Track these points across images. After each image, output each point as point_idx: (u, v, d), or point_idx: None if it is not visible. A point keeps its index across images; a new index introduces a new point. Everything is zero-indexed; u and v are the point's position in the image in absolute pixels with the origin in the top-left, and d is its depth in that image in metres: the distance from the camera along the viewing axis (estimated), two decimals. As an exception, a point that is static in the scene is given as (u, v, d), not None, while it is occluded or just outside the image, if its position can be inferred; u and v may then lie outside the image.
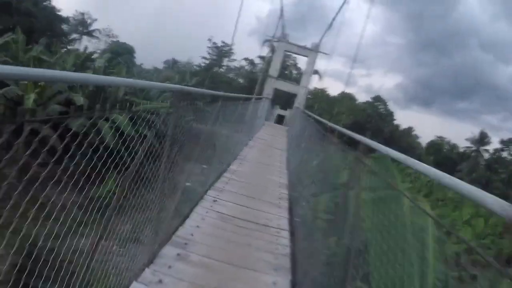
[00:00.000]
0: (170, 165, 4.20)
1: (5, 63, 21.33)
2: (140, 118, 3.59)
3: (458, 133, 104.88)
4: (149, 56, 66.19)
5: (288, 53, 37.51)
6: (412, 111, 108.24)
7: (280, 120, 41.64)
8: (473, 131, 70.32)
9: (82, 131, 2.56)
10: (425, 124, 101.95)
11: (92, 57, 35.15)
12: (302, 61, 64.33)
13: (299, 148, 12.51)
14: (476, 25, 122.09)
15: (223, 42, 53.40)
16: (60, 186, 2.41)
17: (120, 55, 43.97)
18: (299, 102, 31.42)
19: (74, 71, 23.90)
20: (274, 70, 33.87)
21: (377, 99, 68.88)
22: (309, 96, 34.60)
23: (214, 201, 6.56)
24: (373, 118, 65.24)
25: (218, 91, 8.85)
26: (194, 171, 6.41)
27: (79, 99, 20.86)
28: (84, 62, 27.28)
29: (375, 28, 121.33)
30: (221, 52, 53.78)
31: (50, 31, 43.93)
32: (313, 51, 32.89)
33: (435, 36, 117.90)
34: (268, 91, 32.25)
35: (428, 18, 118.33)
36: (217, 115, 7.32)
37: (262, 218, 6.37)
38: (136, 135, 3.60)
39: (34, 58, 22.73)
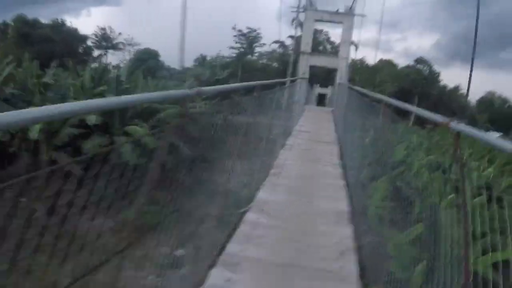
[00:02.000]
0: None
1: (12, 95, 18.98)
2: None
3: (508, 85, 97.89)
4: (180, 58, 63.61)
5: (319, 22, 31.81)
6: (455, 68, 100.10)
7: (321, 99, 37.32)
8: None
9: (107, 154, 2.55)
10: (471, 81, 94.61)
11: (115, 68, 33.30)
12: (334, 35, 59.99)
13: (354, 137, 9.13)
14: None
15: (249, 28, 49.51)
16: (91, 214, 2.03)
17: (144, 61, 41.66)
18: (341, 76, 26.13)
19: (93, 87, 21.73)
20: (306, 44, 28.61)
21: (420, 61, 63.46)
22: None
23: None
24: (418, 82, 60.16)
25: (253, 80, 6.29)
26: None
27: (91, 118, 18.16)
28: (102, 76, 24.68)
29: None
30: (249, 38, 49.89)
31: (70, 52, 42.97)
32: (348, 15, 27.50)
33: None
34: (303, 69, 27.56)
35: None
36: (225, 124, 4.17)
37: None
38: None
39: (39, 83, 20.32)
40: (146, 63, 40.90)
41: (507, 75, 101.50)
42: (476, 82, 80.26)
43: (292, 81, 17.20)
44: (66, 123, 17.70)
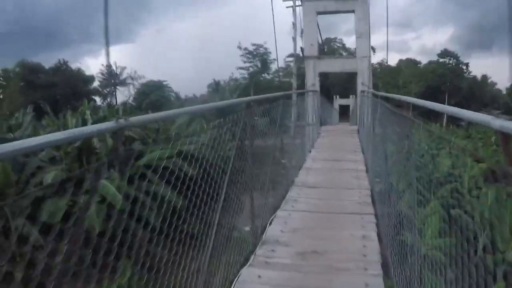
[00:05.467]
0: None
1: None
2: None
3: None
4: (195, 86, 59.34)
5: (323, 16, 21.73)
6: (473, 58, 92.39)
7: (344, 113, 30.95)
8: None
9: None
10: (492, 69, 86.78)
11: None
12: (349, 42, 53.96)
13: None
14: None
15: (254, 44, 44.08)
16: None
17: (148, 95, 37.06)
18: (363, 81, 18.72)
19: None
20: (310, 46, 19.88)
21: (445, 53, 56.63)
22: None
23: None
24: (446, 77, 53.43)
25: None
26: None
27: (47, 176, 13.37)
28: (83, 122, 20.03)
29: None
30: (257, 55, 44.39)
31: (75, 94, 39.62)
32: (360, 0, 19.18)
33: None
34: (311, 80, 19.50)
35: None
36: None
37: None
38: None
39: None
40: (149, 97, 36.35)
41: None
42: (499, 70, 72.81)
43: (300, 95, 11.74)
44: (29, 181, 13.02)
